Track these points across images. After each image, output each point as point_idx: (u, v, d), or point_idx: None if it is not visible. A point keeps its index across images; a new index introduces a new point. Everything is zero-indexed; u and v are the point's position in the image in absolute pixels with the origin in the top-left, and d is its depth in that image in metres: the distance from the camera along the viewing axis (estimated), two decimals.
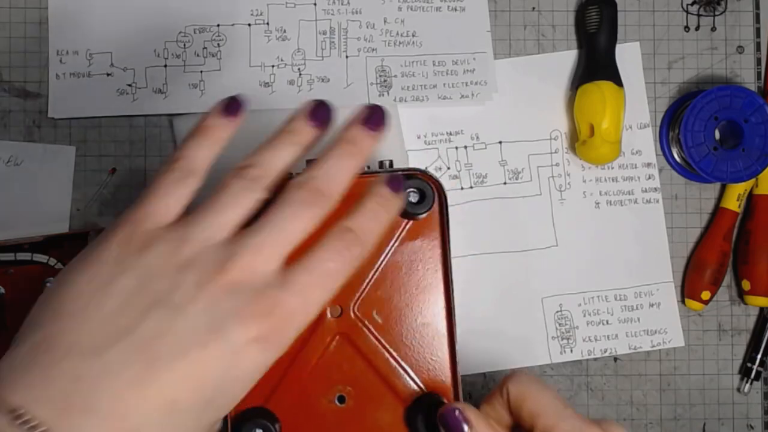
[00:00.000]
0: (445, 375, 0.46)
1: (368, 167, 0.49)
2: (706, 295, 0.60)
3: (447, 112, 0.61)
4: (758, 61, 0.61)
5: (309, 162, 0.49)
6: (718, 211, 0.61)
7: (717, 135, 0.59)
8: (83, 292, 0.31)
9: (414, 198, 0.46)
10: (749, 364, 0.61)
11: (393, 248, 0.47)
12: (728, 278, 0.62)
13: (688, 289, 0.61)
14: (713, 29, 0.62)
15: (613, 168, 0.61)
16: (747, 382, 0.61)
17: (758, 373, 0.61)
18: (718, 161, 0.58)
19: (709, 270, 0.60)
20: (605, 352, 0.61)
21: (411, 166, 0.60)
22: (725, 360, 0.62)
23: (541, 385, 0.37)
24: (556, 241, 0.61)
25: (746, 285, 0.61)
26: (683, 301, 0.61)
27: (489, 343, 0.60)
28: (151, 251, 0.31)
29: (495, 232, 0.61)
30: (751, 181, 0.61)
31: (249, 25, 0.60)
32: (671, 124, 0.61)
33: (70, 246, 0.54)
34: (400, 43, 0.60)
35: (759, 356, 0.61)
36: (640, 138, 0.61)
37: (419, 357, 0.46)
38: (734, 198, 0.61)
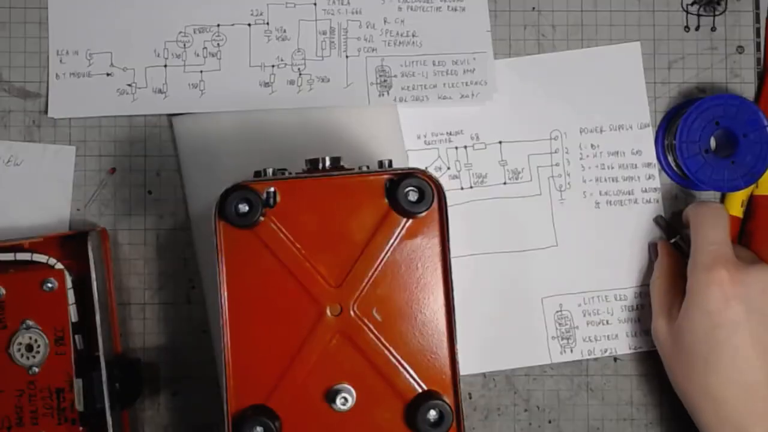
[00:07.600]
0: (445, 373, 0.46)
1: (368, 167, 0.49)
2: None
3: (447, 112, 0.60)
4: (758, 61, 0.61)
5: (308, 161, 0.49)
6: None
7: (713, 142, 0.59)
8: None
9: (413, 197, 0.46)
10: None
11: (392, 247, 0.47)
12: None
13: None
14: (713, 29, 0.62)
15: (613, 168, 0.61)
16: None
17: None
18: (713, 171, 0.58)
19: None
20: (605, 352, 0.61)
21: (410, 165, 0.60)
22: None
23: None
24: (556, 241, 0.61)
25: None
26: None
27: (489, 342, 0.60)
28: None
29: (495, 232, 0.61)
30: (751, 186, 0.60)
31: (249, 24, 0.60)
32: (666, 132, 0.61)
33: (70, 246, 0.54)
34: (400, 43, 0.60)
35: None
36: (641, 138, 0.61)
37: (419, 355, 0.46)
38: (738, 204, 0.60)
